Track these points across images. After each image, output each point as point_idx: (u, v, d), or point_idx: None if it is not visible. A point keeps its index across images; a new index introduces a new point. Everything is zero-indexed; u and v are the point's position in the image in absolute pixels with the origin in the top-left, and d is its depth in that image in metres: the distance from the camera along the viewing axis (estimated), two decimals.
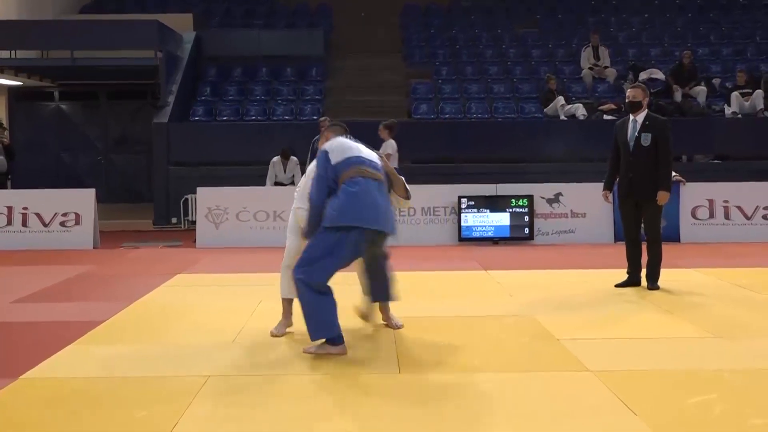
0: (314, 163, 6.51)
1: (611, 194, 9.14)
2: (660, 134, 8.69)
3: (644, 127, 8.70)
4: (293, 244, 6.82)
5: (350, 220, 6.05)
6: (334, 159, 6.28)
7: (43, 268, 11.10)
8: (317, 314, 6.10)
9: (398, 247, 12.74)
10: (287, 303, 6.92)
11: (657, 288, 8.75)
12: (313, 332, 6.12)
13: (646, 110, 8.86)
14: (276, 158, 14.66)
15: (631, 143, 8.72)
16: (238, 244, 13.16)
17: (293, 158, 14.62)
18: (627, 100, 9.00)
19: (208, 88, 19.01)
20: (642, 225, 8.90)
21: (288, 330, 6.90)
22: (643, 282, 8.89)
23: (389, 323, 7.05)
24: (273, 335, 6.80)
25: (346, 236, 6.06)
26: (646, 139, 8.67)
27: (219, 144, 16.86)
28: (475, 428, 4.68)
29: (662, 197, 8.67)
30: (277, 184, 14.40)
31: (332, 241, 6.07)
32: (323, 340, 6.12)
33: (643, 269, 8.95)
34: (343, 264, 6.21)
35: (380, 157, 6.65)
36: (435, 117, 17.69)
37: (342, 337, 6.12)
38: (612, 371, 5.70)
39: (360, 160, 6.31)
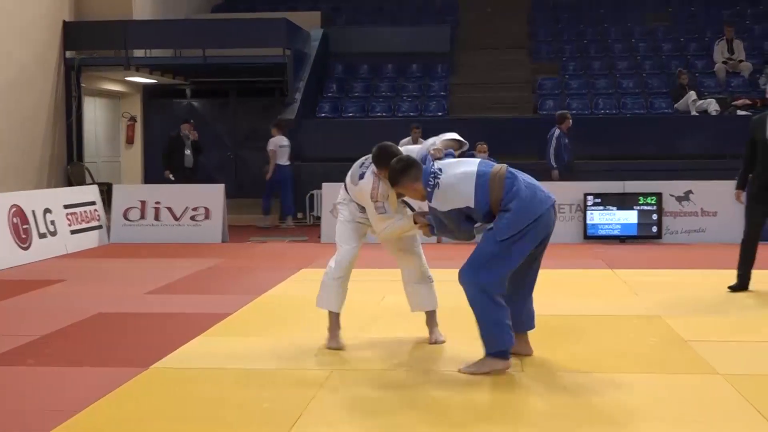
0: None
1: (743, 194, 8.75)
2: None
3: None
4: (349, 255, 6.49)
5: (528, 218, 5.50)
6: (471, 203, 5.55)
7: (173, 261, 11.42)
8: (499, 325, 5.56)
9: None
10: (335, 316, 6.46)
11: None
12: (496, 344, 5.59)
13: None
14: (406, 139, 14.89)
15: None
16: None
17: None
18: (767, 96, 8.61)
19: (334, 85, 19.22)
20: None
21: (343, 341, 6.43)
22: (760, 286, 8.47)
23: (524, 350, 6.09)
24: (332, 348, 6.31)
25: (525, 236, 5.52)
26: None
27: (344, 140, 16.95)
28: (602, 428, 4.62)
29: None
30: None
31: (512, 248, 5.51)
32: (482, 356, 5.64)
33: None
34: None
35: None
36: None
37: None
38: (743, 375, 5.54)
39: (482, 174, 5.58)
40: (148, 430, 4.68)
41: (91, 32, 17.42)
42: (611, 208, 12.95)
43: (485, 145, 13.58)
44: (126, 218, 13.85)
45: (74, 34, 17.38)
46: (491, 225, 5.56)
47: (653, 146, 15.99)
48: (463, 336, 6.18)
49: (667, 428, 4.61)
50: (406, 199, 6.17)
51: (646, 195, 12.96)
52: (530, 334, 6.07)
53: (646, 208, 12.93)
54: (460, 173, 5.58)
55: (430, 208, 5.73)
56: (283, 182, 16.11)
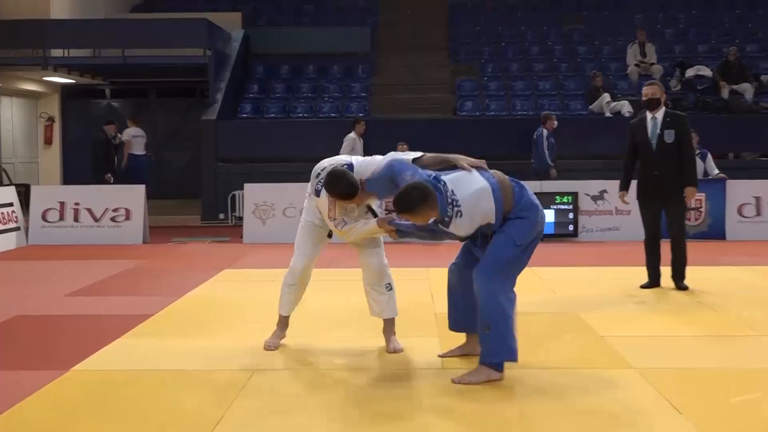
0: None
1: (627, 194, 8.91)
2: (682, 130, 8.54)
3: (666, 124, 8.51)
4: (301, 263, 6.30)
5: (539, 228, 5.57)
6: (492, 219, 5.37)
7: (94, 262, 11.23)
8: (511, 335, 5.40)
9: (436, 243, 12.76)
10: (283, 318, 6.45)
11: (686, 287, 8.54)
12: (498, 354, 5.40)
13: (664, 107, 8.71)
14: (352, 134, 15.22)
15: (654, 141, 8.51)
16: (284, 240, 13.11)
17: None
18: (645, 98, 8.76)
19: (255, 86, 19.13)
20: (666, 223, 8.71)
21: (282, 342, 6.44)
22: (669, 282, 8.68)
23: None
24: (269, 348, 6.29)
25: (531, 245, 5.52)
26: (670, 136, 8.48)
27: (266, 141, 16.95)
28: (521, 424, 4.68)
29: (691, 193, 8.52)
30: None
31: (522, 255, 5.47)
32: (476, 367, 5.44)
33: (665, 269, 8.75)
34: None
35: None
36: (480, 114, 17.66)
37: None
38: (656, 368, 5.66)
39: (491, 186, 5.37)
40: None
41: (7, 31, 17.13)
42: None
43: (406, 146, 13.63)
44: (44, 220, 13.61)
45: None
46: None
47: (569, 146, 16.23)
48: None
49: (582, 421, 4.69)
50: (370, 204, 6.06)
51: (562, 194, 13.18)
52: (447, 330, 6.13)
53: (562, 207, 13.14)
54: (476, 192, 5.28)
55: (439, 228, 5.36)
56: (138, 171, 16.84)
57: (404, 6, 22.05)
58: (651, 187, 8.56)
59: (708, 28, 20.72)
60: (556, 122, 14.83)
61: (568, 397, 5.10)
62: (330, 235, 6.25)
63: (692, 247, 8.87)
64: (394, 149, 13.33)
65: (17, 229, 13.30)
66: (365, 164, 5.84)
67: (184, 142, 20.21)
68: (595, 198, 13.26)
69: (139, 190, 13.81)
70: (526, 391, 5.23)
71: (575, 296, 8.32)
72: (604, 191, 13.17)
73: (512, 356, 5.38)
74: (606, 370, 5.72)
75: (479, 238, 5.54)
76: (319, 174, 5.95)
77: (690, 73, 17.90)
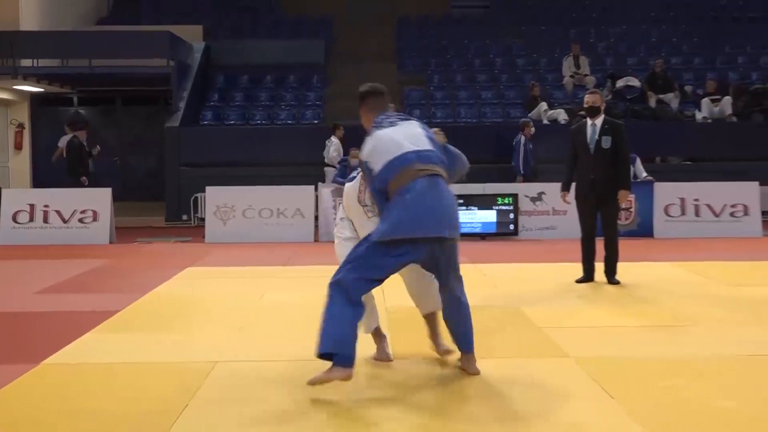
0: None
1: (569, 194, 9.01)
2: (619, 137, 8.64)
3: (604, 131, 8.58)
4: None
5: (402, 232, 4.90)
6: (376, 167, 5.06)
7: (62, 261, 11.11)
8: (335, 326, 4.89)
9: None
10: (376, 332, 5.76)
11: (617, 282, 8.62)
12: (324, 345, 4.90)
13: (603, 115, 8.81)
14: (335, 138, 15.33)
15: (592, 146, 8.59)
16: (244, 240, 13.18)
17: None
18: (586, 106, 8.82)
19: (216, 95, 19.03)
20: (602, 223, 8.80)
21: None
22: (603, 277, 8.75)
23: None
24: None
25: (396, 249, 4.93)
26: (607, 142, 8.57)
27: (226, 146, 16.90)
28: (460, 411, 4.71)
29: (624, 196, 8.63)
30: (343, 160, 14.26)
31: (381, 253, 4.93)
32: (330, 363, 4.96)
33: (597, 264, 8.83)
34: (384, 277, 5.11)
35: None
36: (427, 121, 17.58)
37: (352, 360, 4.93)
38: (590, 357, 5.72)
39: (405, 160, 5.00)
40: (39, 425, 4.54)
41: None
42: (473, 207, 13.21)
43: (358, 151, 13.62)
44: (15, 221, 13.45)
45: None
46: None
47: (509, 151, 16.34)
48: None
49: (522, 408, 4.72)
50: None
51: (503, 196, 13.29)
52: (397, 322, 6.09)
53: (503, 207, 13.25)
54: (394, 140, 5.06)
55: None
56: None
57: (355, 20, 22.07)
58: (588, 189, 8.64)
59: (636, 43, 20.99)
60: (533, 129, 14.95)
61: (508, 384, 5.14)
62: None
63: (623, 245, 8.97)
64: (347, 155, 13.46)
65: None
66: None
67: (149, 147, 20.05)
68: (533, 199, 13.39)
69: (105, 193, 13.69)
70: (468, 379, 5.26)
71: (516, 291, 8.38)
72: (543, 193, 13.30)
73: (329, 350, 4.87)
74: (544, 359, 5.77)
75: None
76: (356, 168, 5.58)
77: (620, 83, 18.13)
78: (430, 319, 5.72)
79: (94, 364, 5.74)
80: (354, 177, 5.58)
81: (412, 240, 4.93)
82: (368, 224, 5.35)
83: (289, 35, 21.47)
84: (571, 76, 18.77)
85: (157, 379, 5.36)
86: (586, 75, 18.74)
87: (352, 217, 5.60)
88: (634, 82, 18.17)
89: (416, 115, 17.65)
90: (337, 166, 14.15)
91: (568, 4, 22.71)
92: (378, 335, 5.77)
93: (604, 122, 8.67)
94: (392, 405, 4.78)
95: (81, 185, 14.45)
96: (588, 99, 8.86)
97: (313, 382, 4.91)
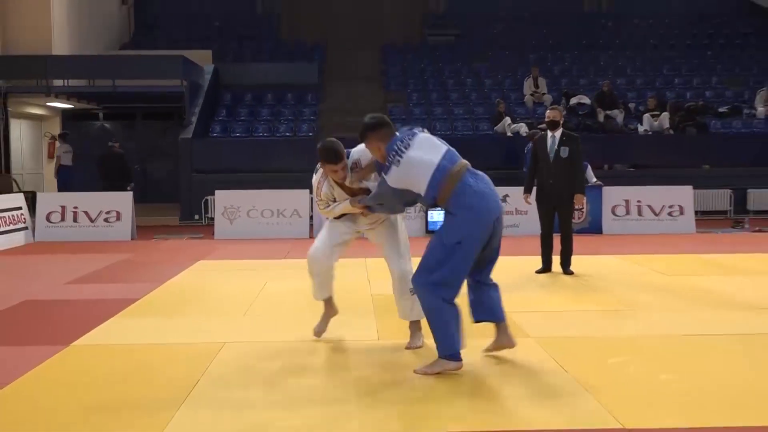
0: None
1: (530, 196, 9.01)
2: (575, 147, 8.66)
3: (562, 142, 8.61)
4: (313, 250, 5.59)
5: (486, 222, 4.85)
6: (419, 189, 4.80)
7: (90, 256, 11.03)
8: (448, 331, 4.80)
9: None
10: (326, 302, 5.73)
11: (571, 273, 8.64)
12: (444, 347, 4.80)
13: (562, 128, 8.82)
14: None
15: (552, 155, 8.61)
16: (248, 236, 13.15)
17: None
18: (547, 120, 8.84)
19: (224, 110, 18.96)
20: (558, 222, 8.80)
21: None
22: (559, 268, 8.77)
23: (506, 343, 5.20)
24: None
25: (476, 242, 4.84)
26: (565, 152, 8.60)
27: (232, 155, 16.85)
28: (433, 387, 4.70)
29: (579, 199, 8.66)
30: None
31: (465, 252, 4.79)
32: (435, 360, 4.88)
33: (555, 257, 8.85)
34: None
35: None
36: None
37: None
38: (549, 337, 5.73)
39: (443, 170, 4.76)
40: (69, 397, 4.51)
41: (16, 64, 16.97)
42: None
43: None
44: (48, 221, 13.35)
45: (2, 66, 16.88)
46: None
47: (478, 160, 16.27)
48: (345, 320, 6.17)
49: (491, 382, 4.73)
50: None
51: None
52: (385, 307, 6.06)
53: None
54: (421, 160, 4.72)
55: (381, 178, 4.89)
56: (66, 178, 16.94)
57: (345, 46, 22.07)
58: (547, 192, 8.67)
59: (587, 66, 21.06)
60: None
61: (476, 361, 5.14)
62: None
63: (577, 240, 8.99)
64: None
65: (25, 228, 13.01)
66: (366, 151, 5.20)
67: (165, 156, 19.96)
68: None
69: (128, 196, 13.64)
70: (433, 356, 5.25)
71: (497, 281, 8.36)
72: (507, 195, 13.27)
73: (452, 349, 4.78)
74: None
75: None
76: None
77: (573, 101, 18.18)
78: (410, 326, 5.56)
79: (118, 345, 5.71)
80: (317, 169, 5.41)
81: (489, 226, 4.84)
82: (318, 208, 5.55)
83: (287, 59, 21.42)
84: (531, 95, 18.81)
85: (172, 357, 5.34)
86: (544, 94, 18.79)
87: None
88: (585, 99, 18.22)
89: (398, 128, 17.68)
90: None
91: (528, 33, 22.76)
92: (329, 305, 5.76)
93: (563, 134, 8.69)
94: (380, 382, 4.78)
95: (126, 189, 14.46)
96: (549, 114, 8.87)
97: (424, 372, 4.79)
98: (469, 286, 5.09)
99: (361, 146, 5.21)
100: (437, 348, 4.84)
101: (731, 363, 5.05)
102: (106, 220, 13.36)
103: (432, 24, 23.59)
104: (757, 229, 13.62)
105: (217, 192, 13.93)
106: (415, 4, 24.43)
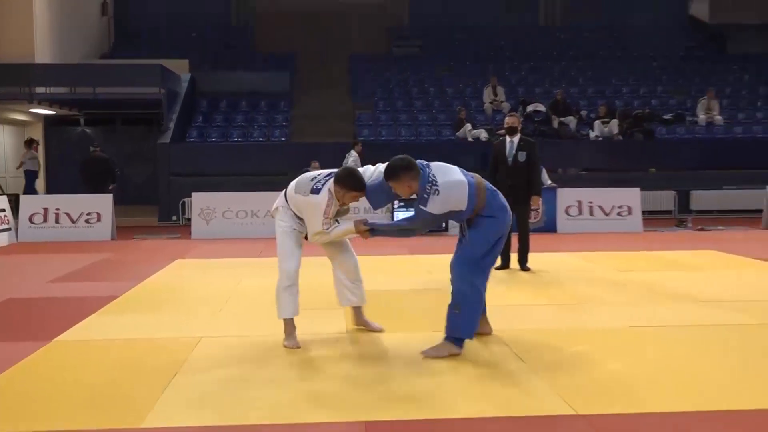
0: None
1: None
2: (532, 152, 8.72)
3: (520, 147, 8.67)
4: (295, 265, 5.42)
5: (509, 219, 5.25)
6: (462, 207, 5.04)
7: (71, 255, 10.89)
8: (473, 321, 5.13)
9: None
10: (290, 321, 5.48)
11: (528, 269, 8.69)
12: (462, 332, 5.07)
13: (520, 134, 8.86)
14: (354, 152, 15.12)
15: (510, 159, 8.66)
16: (223, 236, 13.08)
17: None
18: (506, 126, 8.87)
19: (200, 117, 18.83)
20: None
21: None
22: (517, 265, 8.81)
23: (487, 330, 5.61)
24: (294, 347, 5.34)
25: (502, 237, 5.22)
26: (522, 156, 8.65)
27: (209, 159, 16.75)
28: (400, 372, 4.71)
29: (535, 201, 8.72)
30: None
31: (493, 246, 5.14)
32: (441, 342, 5.12)
33: (513, 255, 8.89)
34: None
35: None
36: (375, 139, 17.72)
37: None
38: (506, 329, 5.76)
39: (472, 186, 5.08)
40: (52, 390, 4.45)
41: (1, 72, 16.64)
42: (412, 209, 13.15)
43: (317, 163, 13.57)
44: (31, 222, 13.16)
45: None
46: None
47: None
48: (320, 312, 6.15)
49: (451, 371, 4.75)
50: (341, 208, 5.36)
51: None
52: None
53: None
54: (454, 181, 4.98)
55: (418, 208, 5.03)
56: (31, 182, 16.97)
57: (315, 56, 22.02)
58: (506, 194, 8.65)
59: (542, 76, 21.23)
60: None
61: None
62: (306, 238, 5.47)
63: (533, 239, 9.05)
64: (308, 166, 13.42)
65: (9, 229, 12.81)
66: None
67: (144, 160, 19.76)
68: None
69: (107, 198, 13.47)
70: (413, 348, 5.27)
71: (447, 277, 8.36)
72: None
73: (467, 335, 5.06)
74: None
75: (465, 233, 5.19)
76: (314, 178, 5.28)
77: (530, 108, 18.29)
78: (356, 310, 5.80)
79: (98, 341, 5.64)
80: (319, 189, 5.19)
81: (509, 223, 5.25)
82: (314, 228, 5.24)
83: (260, 68, 21.32)
84: (490, 103, 18.91)
85: (151, 351, 5.28)
86: (502, 101, 18.91)
87: (305, 216, 5.32)
88: (541, 107, 18.36)
89: (365, 134, 17.73)
90: None
91: (487, 45, 22.90)
92: (290, 326, 5.47)
93: (521, 140, 8.75)
94: (351, 370, 4.77)
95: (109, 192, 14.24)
96: (508, 120, 8.91)
97: (434, 355, 4.99)
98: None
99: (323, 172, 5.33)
100: (454, 331, 5.05)
101: (676, 352, 5.12)
102: (87, 221, 13.20)
103: (397, 36, 23.64)
104: (699, 227, 13.83)
105: (193, 194, 13.83)
106: (381, 17, 24.47)
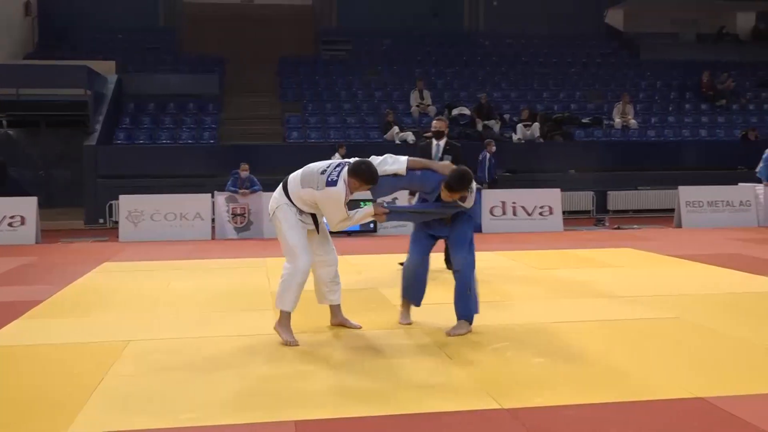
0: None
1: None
2: (457, 155, 8.79)
3: (446, 150, 8.69)
4: (309, 262, 5.39)
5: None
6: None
7: None
8: (476, 296, 5.65)
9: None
10: (288, 314, 5.42)
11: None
12: (475, 309, 5.63)
13: (446, 137, 8.94)
14: (337, 155, 14.38)
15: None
16: (152, 239, 12.81)
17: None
18: (433, 130, 8.88)
19: (127, 119, 18.40)
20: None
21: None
22: (443, 264, 8.84)
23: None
24: (293, 344, 5.31)
25: None
26: (448, 159, 8.74)
27: (137, 162, 16.39)
28: (337, 370, 4.71)
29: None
30: None
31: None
32: (459, 322, 5.60)
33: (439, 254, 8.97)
34: None
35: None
36: (303, 141, 17.63)
37: None
38: (433, 326, 5.80)
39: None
40: None
41: None
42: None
43: (247, 166, 13.42)
44: None
45: None
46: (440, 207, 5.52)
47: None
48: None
49: (381, 367, 4.76)
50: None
51: (365, 201, 13.21)
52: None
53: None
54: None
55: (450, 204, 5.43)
56: None
57: (244, 59, 21.78)
58: None
59: (467, 80, 21.47)
60: (494, 147, 14.76)
61: (368, 348, 5.17)
62: (318, 231, 5.54)
63: None
64: (238, 168, 13.26)
65: None
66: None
67: (70, 162, 19.14)
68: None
69: (32, 201, 13.02)
70: (344, 344, 5.26)
71: (376, 276, 8.44)
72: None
73: (476, 311, 5.62)
74: (398, 329, 5.82)
75: (438, 222, 5.62)
76: (324, 171, 5.24)
77: (455, 112, 18.48)
78: (335, 309, 5.82)
79: (23, 346, 5.45)
80: (336, 181, 5.21)
81: None
82: (338, 215, 5.31)
83: (188, 70, 20.94)
84: (417, 106, 19.03)
85: (77, 357, 5.14)
86: (428, 105, 19.05)
87: (324, 208, 5.31)
88: (466, 111, 18.56)
89: (294, 137, 17.63)
90: (231, 178, 13.84)
91: (413, 50, 23.03)
92: (286, 319, 5.46)
93: (446, 143, 8.81)
94: (280, 371, 4.73)
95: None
96: (435, 124, 8.92)
97: (457, 334, 5.48)
98: (424, 275, 5.80)
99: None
100: (471, 310, 5.58)
101: (594, 346, 5.25)
102: (10, 224, 12.73)
103: (325, 40, 23.58)
104: (615, 226, 14.22)
105: (121, 197, 13.50)
106: (310, 21, 24.38)
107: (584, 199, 16.65)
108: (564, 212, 14.43)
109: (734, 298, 7.02)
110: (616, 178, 17.22)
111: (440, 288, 7.75)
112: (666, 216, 15.44)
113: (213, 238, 13.08)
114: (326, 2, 24.83)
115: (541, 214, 13.90)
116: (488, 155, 14.87)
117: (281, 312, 5.44)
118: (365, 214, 5.42)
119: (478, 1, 25.46)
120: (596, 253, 10.36)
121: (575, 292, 7.38)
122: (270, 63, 21.66)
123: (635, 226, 14.18)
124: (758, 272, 8.37)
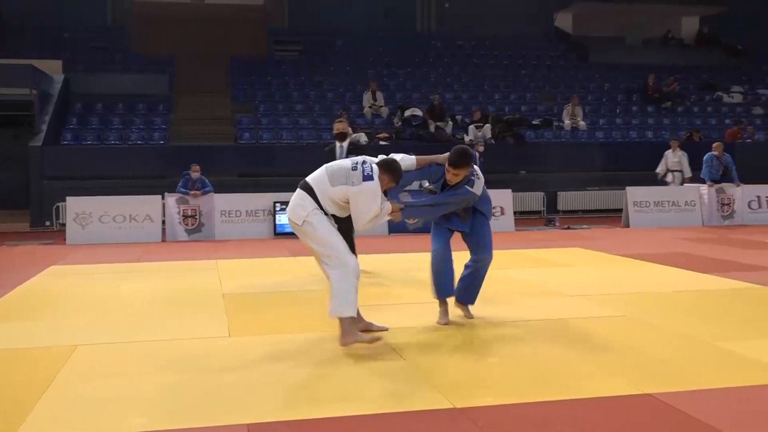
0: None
1: None
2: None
3: (350, 151, 8.60)
4: (356, 260, 5.29)
5: None
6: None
7: None
8: None
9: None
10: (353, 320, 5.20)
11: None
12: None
13: (349, 139, 8.83)
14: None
15: None
16: (100, 242, 12.56)
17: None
18: (336, 132, 8.68)
19: (75, 119, 18.02)
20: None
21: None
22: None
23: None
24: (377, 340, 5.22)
25: None
26: None
27: (84, 162, 16.07)
28: (291, 374, 4.68)
29: None
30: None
31: None
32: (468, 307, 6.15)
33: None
34: None
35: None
36: (255, 142, 17.50)
37: None
38: (397, 327, 5.77)
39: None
40: None
41: None
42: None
43: (198, 167, 13.26)
44: None
45: None
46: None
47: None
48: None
49: (332, 366, 4.75)
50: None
51: None
52: (234, 304, 5.98)
53: None
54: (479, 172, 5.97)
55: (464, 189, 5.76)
56: None
57: (195, 59, 21.53)
58: None
59: (419, 81, 21.56)
60: (482, 147, 14.84)
61: (321, 349, 5.15)
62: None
63: (411, 240, 9.16)
64: (189, 169, 13.10)
65: None
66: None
67: (15, 163, 18.71)
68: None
69: None
70: (297, 348, 5.24)
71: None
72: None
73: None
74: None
75: (456, 217, 5.94)
76: (355, 167, 5.14)
77: (408, 113, 18.55)
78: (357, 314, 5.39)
79: None
80: (370, 175, 5.12)
81: None
82: (372, 210, 5.17)
83: (137, 70, 20.60)
84: (370, 107, 19.04)
85: (23, 362, 5.01)
86: (381, 106, 19.08)
87: (358, 205, 5.16)
88: (418, 112, 18.64)
89: (246, 137, 17.50)
90: (182, 179, 13.66)
91: (366, 51, 23.05)
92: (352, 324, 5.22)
93: (350, 144, 8.79)
94: (233, 375, 4.69)
95: None
96: (338, 126, 8.70)
97: (470, 317, 6.09)
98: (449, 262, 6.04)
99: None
100: (473, 299, 6.11)
101: (545, 345, 5.32)
102: None
103: (277, 40, 23.45)
104: (566, 226, 14.43)
105: (68, 198, 13.21)
106: (261, 21, 24.21)
107: (535, 200, 16.86)
108: (515, 213, 14.58)
109: (679, 295, 7.18)
110: (566, 178, 17.47)
111: (395, 288, 7.76)
112: (614, 216, 15.72)
113: (163, 240, 12.89)
114: (278, 2, 24.71)
115: (492, 214, 13.97)
116: (476, 155, 14.93)
117: (342, 321, 5.11)
118: (387, 210, 5.27)
119: (430, 2, 25.59)
120: (547, 253, 10.49)
121: (526, 291, 7.47)
122: (221, 63, 21.46)
123: (585, 226, 14.41)
124: (702, 270, 8.58)
